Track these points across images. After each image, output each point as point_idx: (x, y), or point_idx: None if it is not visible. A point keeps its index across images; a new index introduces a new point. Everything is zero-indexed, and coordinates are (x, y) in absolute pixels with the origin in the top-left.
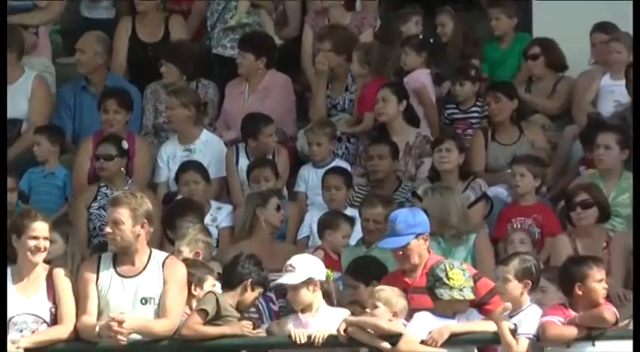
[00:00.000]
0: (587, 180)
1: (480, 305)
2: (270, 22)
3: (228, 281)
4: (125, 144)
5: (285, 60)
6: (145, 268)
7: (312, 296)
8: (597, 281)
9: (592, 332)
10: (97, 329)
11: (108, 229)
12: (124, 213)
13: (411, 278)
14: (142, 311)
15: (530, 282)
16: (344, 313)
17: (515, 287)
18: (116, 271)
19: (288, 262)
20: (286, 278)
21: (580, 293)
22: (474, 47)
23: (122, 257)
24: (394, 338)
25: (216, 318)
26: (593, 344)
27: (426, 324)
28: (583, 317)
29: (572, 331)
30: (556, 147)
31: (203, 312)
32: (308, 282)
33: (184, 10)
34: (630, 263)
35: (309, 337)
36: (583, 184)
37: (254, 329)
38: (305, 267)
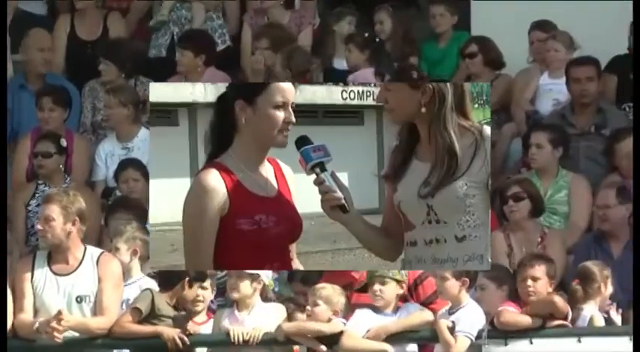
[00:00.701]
0: (522, 176)
1: (426, 305)
2: (202, 16)
3: (166, 280)
4: (64, 142)
5: (224, 58)
6: (79, 266)
7: (251, 294)
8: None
9: (546, 322)
10: (37, 325)
11: (38, 226)
12: (54, 210)
13: (358, 273)
14: (78, 310)
15: (467, 280)
16: (279, 308)
17: (453, 285)
18: (51, 269)
19: None
20: None
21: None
22: (411, 46)
23: (56, 255)
24: (335, 336)
25: (152, 317)
26: (531, 342)
27: (365, 321)
28: (533, 305)
29: (526, 319)
30: (494, 146)
31: (136, 311)
32: (254, 278)
33: (123, 8)
34: (566, 262)
35: (248, 337)
36: (516, 178)
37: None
38: None
